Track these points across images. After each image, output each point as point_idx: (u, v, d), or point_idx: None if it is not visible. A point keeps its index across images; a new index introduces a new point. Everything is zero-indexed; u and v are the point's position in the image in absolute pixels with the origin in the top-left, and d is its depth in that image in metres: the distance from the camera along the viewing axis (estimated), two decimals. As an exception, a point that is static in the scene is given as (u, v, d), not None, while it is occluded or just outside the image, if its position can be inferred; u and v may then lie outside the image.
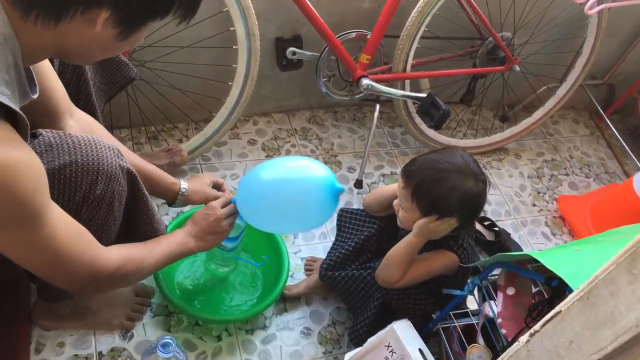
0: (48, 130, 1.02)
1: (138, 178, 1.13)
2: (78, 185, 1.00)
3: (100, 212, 1.06)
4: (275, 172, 1.21)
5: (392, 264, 1.32)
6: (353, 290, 1.45)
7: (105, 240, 1.09)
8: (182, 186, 1.36)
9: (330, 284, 1.48)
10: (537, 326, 0.61)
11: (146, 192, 1.17)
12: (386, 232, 1.49)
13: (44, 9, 0.76)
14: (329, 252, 1.53)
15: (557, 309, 0.58)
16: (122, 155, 1.07)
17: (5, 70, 0.77)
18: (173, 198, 1.37)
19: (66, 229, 0.90)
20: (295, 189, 1.18)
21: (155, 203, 1.48)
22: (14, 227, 0.82)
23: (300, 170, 1.21)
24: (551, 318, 0.59)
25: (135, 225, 1.19)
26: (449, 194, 1.24)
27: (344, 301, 1.50)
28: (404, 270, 1.31)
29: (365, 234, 1.49)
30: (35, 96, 0.87)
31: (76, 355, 1.35)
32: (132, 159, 1.26)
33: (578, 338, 0.55)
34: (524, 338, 0.63)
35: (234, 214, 1.27)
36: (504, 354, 0.67)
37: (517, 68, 1.93)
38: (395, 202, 1.35)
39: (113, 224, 1.10)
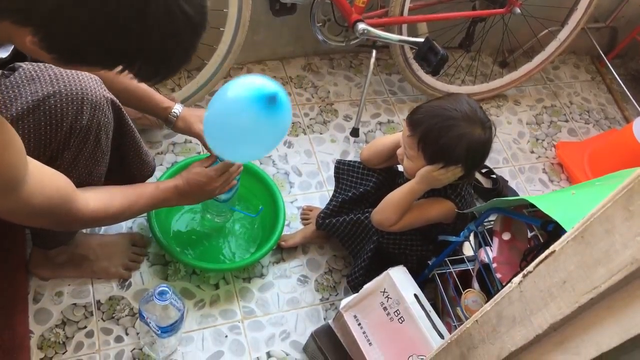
0: (27, 62, 1.00)
1: (123, 109, 1.12)
2: (64, 115, 1.00)
3: (88, 144, 1.05)
4: (217, 102, 1.08)
5: (390, 207, 1.32)
6: (352, 234, 1.45)
7: (96, 175, 1.11)
8: (173, 110, 1.30)
9: (329, 231, 1.48)
10: (530, 267, 0.61)
11: (132, 124, 1.17)
12: (384, 186, 1.48)
13: None
14: (326, 204, 1.52)
15: (551, 248, 0.57)
16: (104, 86, 1.07)
17: None
18: (165, 119, 1.32)
19: (42, 187, 0.91)
20: (233, 109, 1.05)
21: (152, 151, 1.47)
22: None
23: (235, 91, 1.05)
24: (545, 258, 0.58)
25: (124, 157, 1.20)
26: (456, 142, 1.21)
27: (343, 245, 1.51)
28: (400, 214, 1.31)
29: (365, 188, 1.48)
30: (4, 56, 0.85)
31: (74, 304, 1.36)
32: (122, 78, 1.23)
33: (572, 277, 0.55)
34: (517, 279, 0.63)
35: (228, 180, 1.27)
36: (497, 295, 0.67)
37: (518, 10, 1.87)
38: (400, 150, 1.33)
39: (102, 157, 1.10)
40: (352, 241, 1.47)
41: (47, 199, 0.92)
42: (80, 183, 1.02)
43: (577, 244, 0.53)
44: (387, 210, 1.32)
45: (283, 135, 1.12)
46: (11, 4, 0.67)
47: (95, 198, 1.04)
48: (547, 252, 0.57)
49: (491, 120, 1.28)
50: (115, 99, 1.10)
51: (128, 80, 1.23)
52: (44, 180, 0.92)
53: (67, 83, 1.01)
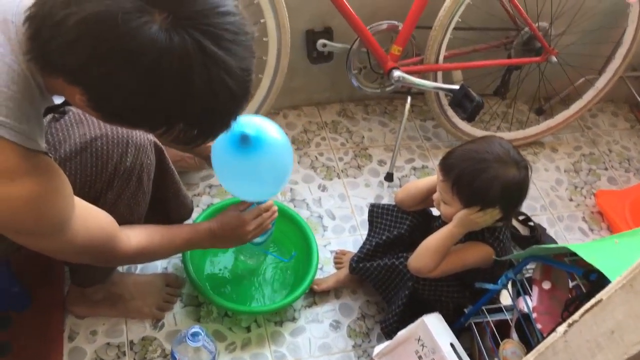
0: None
1: (164, 151, 1.16)
2: (110, 157, 1.05)
3: (131, 184, 1.09)
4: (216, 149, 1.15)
5: (428, 253, 1.30)
6: (386, 279, 1.43)
7: (137, 215, 1.14)
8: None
9: (362, 275, 1.46)
10: (575, 316, 0.59)
11: (172, 166, 1.21)
12: (418, 229, 1.47)
13: (35, 55, 0.74)
14: (360, 248, 1.51)
15: (597, 297, 0.55)
16: None
17: (29, 103, 0.78)
18: (206, 157, 1.34)
19: (86, 226, 0.94)
20: (220, 155, 1.12)
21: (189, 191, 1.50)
22: (38, 235, 0.88)
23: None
24: (591, 307, 0.56)
25: (163, 198, 1.22)
26: (490, 184, 1.21)
27: (376, 290, 1.49)
28: (439, 260, 1.29)
29: (399, 231, 1.47)
30: (59, 102, 0.89)
31: (108, 343, 1.37)
32: None
33: (620, 327, 0.52)
34: (561, 328, 0.61)
35: (263, 225, 1.28)
36: (540, 345, 0.64)
37: (554, 59, 1.88)
38: (436, 195, 1.33)
39: (143, 198, 1.13)
40: (385, 286, 1.45)
41: (90, 237, 0.95)
42: (121, 223, 1.04)
43: (626, 293, 0.52)
44: (425, 256, 1.30)
45: (281, 172, 1.16)
46: (65, 65, 0.71)
47: (136, 236, 1.07)
48: (593, 300, 0.56)
49: (526, 160, 1.27)
50: (157, 141, 1.13)
51: None
52: (89, 219, 0.95)
53: (113, 126, 1.05)
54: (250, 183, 1.15)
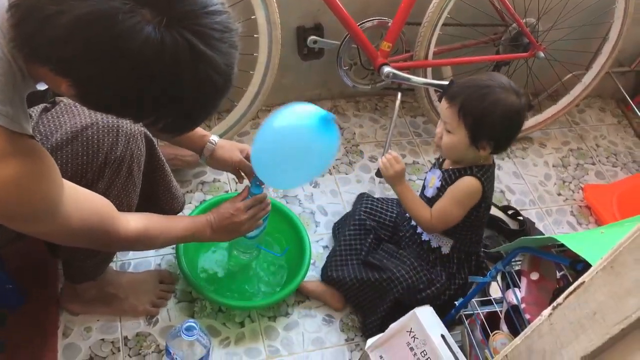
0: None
1: (155, 143, 1.17)
2: (100, 145, 1.05)
3: (121, 174, 1.09)
4: (269, 130, 1.16)
5: (411, 212, 1.42)
6: (361, 292, 1.47)
7: (126, 207, 1.14)
8: (211, 139, 1.34)
9: (335, 285, 1.50)
10: (560, 299, 0.60)
11: (163, 157, 1.21)
12: (373, 216, 1.57)
13: (19, 43, 0.73)
14: (327, 258, 1.55)
15: (580, 280, 0.57)
16: None
17: (12, 87, 0.77)
18: (201, 149, 1.35)
19: (79, 209, 0.93)
20: (288, 134, 1.14)
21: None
22: (30, 221, 0.87)
23: (289, 117, 1.15)
24: (574, 289, 0.58)
25: (154, 191, 1.22)
26: (494, 106, 1.28)
27: (348, 300, 1.51)
28: (422, 207, 1.39)
29: (358, 219, 1.55)
30: (42, 88, 0.89)
31: (102, 339, 1.38)
32: None
33: (602, 308, 0.54)
34: (546, 312, 0.62)
35: (257, 216, 1.28)
36: (527, 328, 0.66)
37: (542, 55, 1.90)
38: (438, 129, 1.38)
39: (133, 188, 1.14)
40: (361, 299, 1.49)
41: (85, 220, 0.94)
42: None
43: (607, 275, 0.54)
44: (414, 216, 1.41)
45: (332, 159, 1.21)
46: (55, 59, 0.71)
47: (136, 221, 1.07)
48: (576, 283, 0.57)
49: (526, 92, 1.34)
50: (147, 132, 1.14)
51: None
52: (82, 202, 0.94)
53: (104, 115, 1.05)
54: (312, 168, 1.20)
